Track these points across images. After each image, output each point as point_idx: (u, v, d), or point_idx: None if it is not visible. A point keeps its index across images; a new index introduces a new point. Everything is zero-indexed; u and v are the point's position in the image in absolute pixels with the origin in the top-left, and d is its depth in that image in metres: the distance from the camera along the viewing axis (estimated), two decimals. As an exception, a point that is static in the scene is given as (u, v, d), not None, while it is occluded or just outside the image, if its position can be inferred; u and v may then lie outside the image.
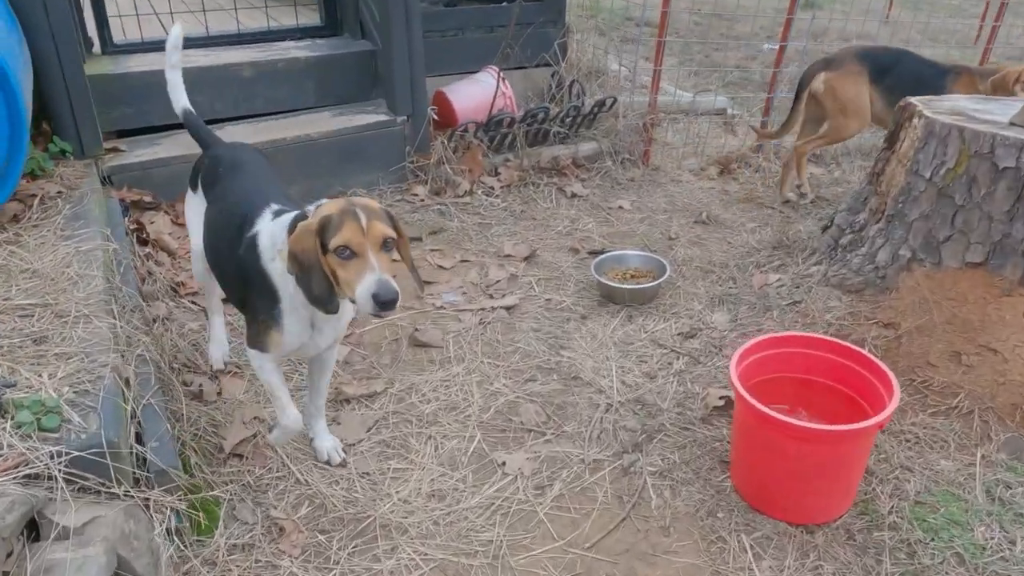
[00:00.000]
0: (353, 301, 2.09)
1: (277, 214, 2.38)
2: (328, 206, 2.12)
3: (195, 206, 2.90)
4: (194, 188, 2.92)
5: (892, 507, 2.62)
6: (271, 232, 2.32)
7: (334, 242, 2.03)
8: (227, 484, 2.66)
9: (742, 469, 2.70)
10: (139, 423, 2.43)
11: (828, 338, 2.76)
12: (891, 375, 2.54)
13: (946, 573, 2.40)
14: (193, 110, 3.07)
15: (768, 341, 2.77)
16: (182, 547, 2.31)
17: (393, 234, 2.08)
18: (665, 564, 2.49)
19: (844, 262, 3.75)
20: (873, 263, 3.60)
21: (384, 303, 2.00)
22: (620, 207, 5.15)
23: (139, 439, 2.38)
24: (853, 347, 2.69)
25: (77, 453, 2.07)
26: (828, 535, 2.56)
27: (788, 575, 2.42)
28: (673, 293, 4.06)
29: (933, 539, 2.51)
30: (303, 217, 2.20)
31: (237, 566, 2.37)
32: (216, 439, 2.84)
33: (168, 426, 2.42)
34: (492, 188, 5.19)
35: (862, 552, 2.50)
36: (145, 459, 2.29)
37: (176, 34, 2.94)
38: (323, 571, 2.40)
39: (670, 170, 5.82)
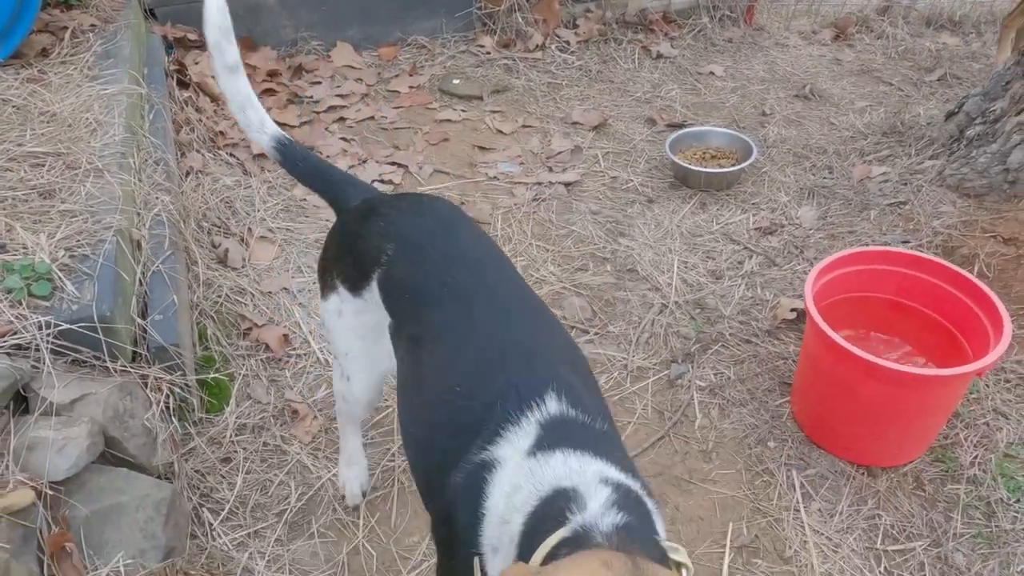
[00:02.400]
0: None
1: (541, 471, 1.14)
2: (604, 571, 0.85)
3: (352, 315, 1.67)
4: (353, 288, 1.63)
5: (975, 458, 2.27)
6: (513, 491, 1.14)
7: None
8: (244, 359, 2.53)
9: (805, 397, 2.38)
10: (146, 292, 2.28)
11: (929, 257, 2.32)
12: (1002, 309, 2.11)
13: (1027, 542, 2.08)
14: (288, 138, 1.79)
15: (857, 255, 2.35)
16: (186, 425, 2.21)
17: None
18: (701, 493, 2.25)
19: (967, 159, 3.17)
20: (1004, 164, 3.01)
21: None
22: (711, 73, 4.54)
23: (145, 310, 2.24)
24: (959, 270, 2.25)
25: (67, 325, 1.93)
26: (893, 481, 2.25)
27: (839, 521, 2.16)
28: (757, 180, 3.58)
29: (1019, 500, 2.17)
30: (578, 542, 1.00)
31: (243, 448, 2.27)
32: (239, 307, 2.69)
33: (176, 297, 2.26)
34: (567, 43, 4.64)
35: (930, 505, 2.19)
36: (146, 333, 2.15)
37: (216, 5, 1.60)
38: (332, 461, 2.28)
39: (775, 31, 5.07)
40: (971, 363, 1.99)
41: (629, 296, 2.92)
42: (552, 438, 1.16)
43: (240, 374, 2.47)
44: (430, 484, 1.35)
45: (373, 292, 1.57)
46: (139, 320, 2.15)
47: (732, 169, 3.47)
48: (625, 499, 1.07)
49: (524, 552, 1.05)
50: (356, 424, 2.10)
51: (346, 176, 1.89)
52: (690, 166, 3.47)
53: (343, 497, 2.17)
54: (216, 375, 2.31)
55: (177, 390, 2.14)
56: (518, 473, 1.14)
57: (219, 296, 2.66)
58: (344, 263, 1.66)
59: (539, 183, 3.52)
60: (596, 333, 2.76)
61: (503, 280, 1.50)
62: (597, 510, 1.04)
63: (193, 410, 2.24)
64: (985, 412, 2.40)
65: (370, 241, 1.58)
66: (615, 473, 1.13)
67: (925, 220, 3.09)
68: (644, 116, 4.09)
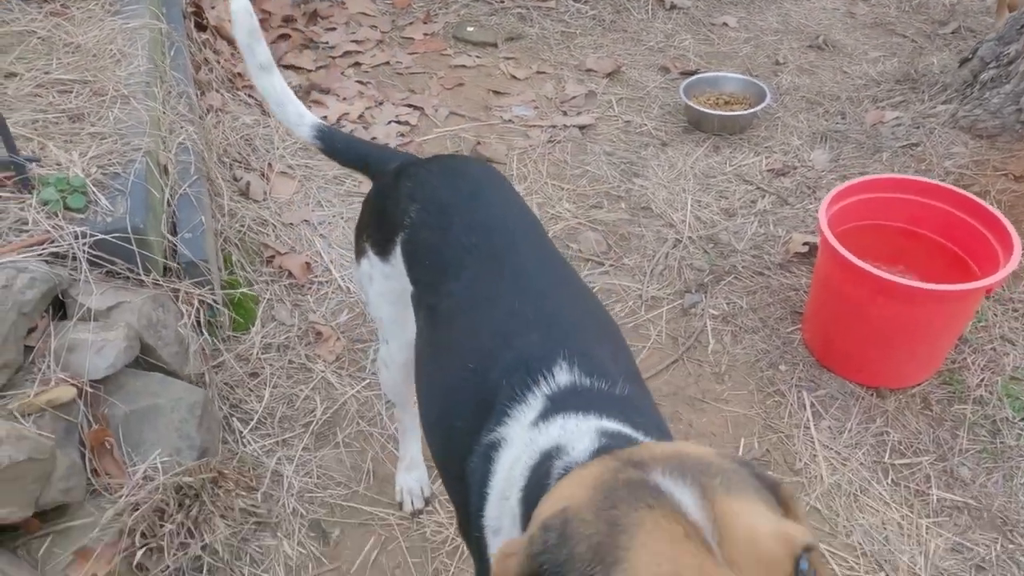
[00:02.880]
0: None
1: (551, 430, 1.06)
2: (586, 474, 0.79)
3: (382, 280, 1.61)
4: (381, 252, 1.58)
5: (982, 380, 2.33)
6: (512, 465, 1.07)
7: None
8: (268, 284, 2.59)
9: (816, 322, 2.44)
10: (174, 212, 2.33)
11: (941, 183, 2.35)
12: (1012, 230, 2.15)
13: (1031, 457, 2.14)
14: (326, 124, 1.76)
15: (870, 183, 2.39)
16: (215, 341, 2.28)
17: (803, 536, 0.70)
18: (714, 411, 2.32)
19: (981, 101, 3.20)
20: (1017, 104, 3.04)
21: None
22: (724, 24, 4.54)
23: (174, 230, 2.30)
24: (970, 195, 2.29)
25: (102, 236, 1.99)
26: (901, 401, 2.31)
27: (848, 437, 2.22)
28: (770, 124, 3.61)
29: (1023, 419, 2.23)
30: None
31: (270, 364, 2.34)
32: (261, 237, 2.75)
33: (204, 218, 2.31)
34: (582, -7, 4.64)
35: (937, 424, 2.25)
36: (176, 249, 2.21)
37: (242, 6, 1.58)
38: (356, 379, 2.35)
39: (789, -15, 5.05)
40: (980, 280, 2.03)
41: (643, 231, 2.96)
42: (557, 407, 1.08)
43: (264, 298, 2.53)
44: (449, 472, 1.27)
45: (398, 257, 1.51)
46: (169, 237, 2.21)
47: (745, 113, 3.50)
48: (614, 440, 0.99)
49: (524, 528, 0.89)
50: (411, 413, 1.94)
51: (386, 149, 1.87)
52: (704, 109, 3.50)
53: (400, 505, 2.06)
54: (244, 291, 2.37)
55: (207, 304, 2.20)
56: (519, 447, 1.06)
57: (242, 225, 2.72)
58: (373, 226, 1.61)
59: (553, 126, 3.55)
60: (611, 265, 2.81)
61: (527, 248, 1.39)
62: (580, 452, 0.97)
63: (222, 327, 2.30)
64: (992, 339, 2.45)
65: (397, 203, 1.52)
66: (619, 427, 1.03)
67: (937, 161, 3.12)
68: (657, 64, 4.11)
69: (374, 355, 2.39)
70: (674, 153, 3.42)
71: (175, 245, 2.21)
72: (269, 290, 2.57)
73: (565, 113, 3.66)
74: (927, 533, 2.00)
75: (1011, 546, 1.96)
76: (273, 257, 2.68)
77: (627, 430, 1.03)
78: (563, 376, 1.13)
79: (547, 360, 1.14)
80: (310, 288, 2.62)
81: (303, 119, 1.74)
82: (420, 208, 1.47)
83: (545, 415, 1.07)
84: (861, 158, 3.31)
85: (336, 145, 1.75)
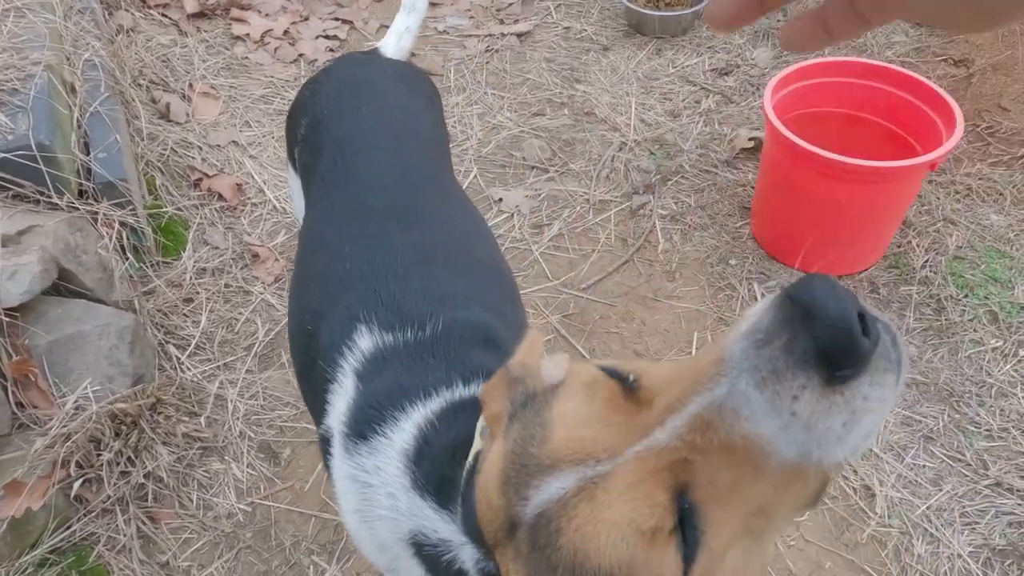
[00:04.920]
0: None
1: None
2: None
3: (299, 195, 1.44)
4: (292, 165, 1.47)
5: (926, 261, 2.35)
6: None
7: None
8: (198, 208, 2.45)
9: (764, 213, 2.41)
10: (85, 132, 2.17)
11: (885, 64, 2.32)
12: (955, 106, 2.13)
13: (974, 330, 2.18)
14: None
15: (814, 67, 2.34)
16: (143, 267, 2.15)
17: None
18: (666, 308, 2.30)
19: (919, -12, 3.15)
20: (955, -12, 3.01)
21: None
22: (662, -74, 4.38)
23: (87, 150, 2.14)
24: (912, 74, 2.26)
25: (4, 154, 1.83)
26: (849, 287, 2.32)
27: (799, 325, 2.23)
28: (711, 25, 3.52)
29: (967, 295, 2.26)
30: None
31: (205, 289, 2.22)
32: (186, 160, 2.59)
33: (118, 137, 2.15)
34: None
35: (884, 306, 2.27)
36: (91, 170, 2.06)
37: None
38: (298, 299, 2.25)
39: None
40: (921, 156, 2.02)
41: (588, 136, 2.88)
42: (368, 382, 0.97)
43: (195, 222, 2.40)
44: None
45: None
46: (82, 156, 2.05)
47: (687, 12, 3.40)
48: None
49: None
50: None
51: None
52: (644, 10, 3.39)
53: None
54: (169, 217, 2.24)
55: (130, 228, 2.07)
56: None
57: (164, 149, 2.56)
58: (286, 135, 1.51)
59: (490, 35, 3.41)
60: (557, 171, 2.74)
61: (379, 174, 1.21)
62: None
63: (148, 252, 2.17)
64: (935, 221, 2.47)
65: (297, 113, 1.41)
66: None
67: (879, 51, 3.09)
68: (595, -31, 3.95)
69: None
70: (616, 57, 3.32)
71: (89, 165, 2.06)
72: (199, 214, 2.43)
73: (502, 21, 3.51)
74: (877, 409, 2.03)
75: (956, 415, 2.01)
76: (201, 180, 2.53)
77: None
78: (364, 340, 1.00)
79: (347, 328, 1.02)
80: (243, 210, 2.49)
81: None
82: (308, 123, 1.35)
83: (357, 417, 0.96)
84: (803, 54, 3.26)
85: None
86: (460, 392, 0.92)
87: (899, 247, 2.41)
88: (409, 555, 0.84)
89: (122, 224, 2.03)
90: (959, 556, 1.75)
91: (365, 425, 0.93)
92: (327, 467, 1.00)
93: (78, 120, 2.15)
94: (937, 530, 1.80)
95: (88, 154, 2.08)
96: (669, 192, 2.65)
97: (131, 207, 2.06)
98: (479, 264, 1.18)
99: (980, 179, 2.58)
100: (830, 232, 2.22)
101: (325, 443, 1.01)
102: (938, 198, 2.54)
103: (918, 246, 2.40)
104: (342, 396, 0.99)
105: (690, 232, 2.51)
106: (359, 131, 1.27)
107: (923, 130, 2.25)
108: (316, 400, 1.05)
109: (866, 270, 2.36)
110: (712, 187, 2.66)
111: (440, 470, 0.84)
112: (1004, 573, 1.73)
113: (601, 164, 2.75)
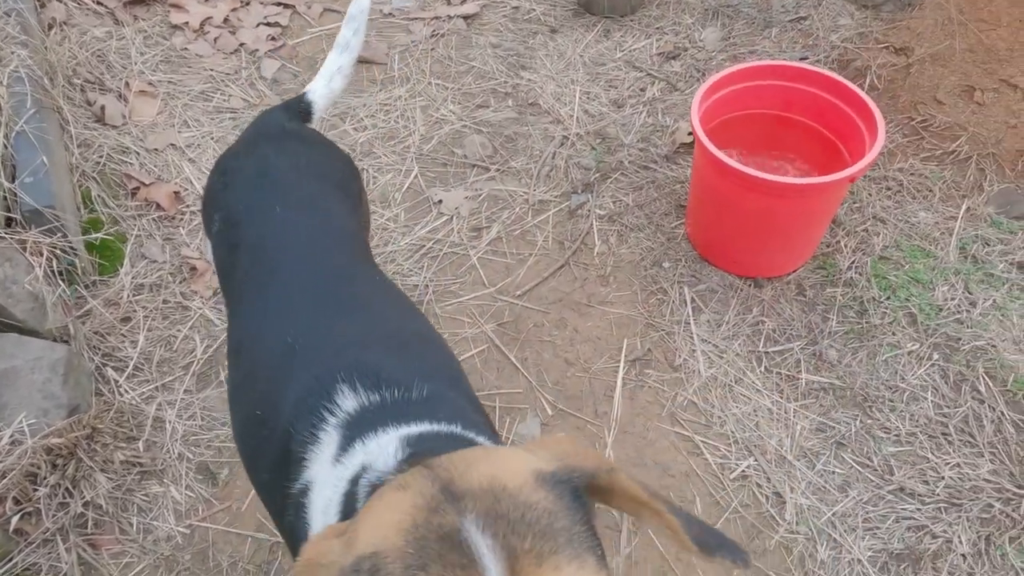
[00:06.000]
0: None
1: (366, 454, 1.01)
2: (401, 493, 0.75)
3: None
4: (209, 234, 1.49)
5: (853, 262, 2.41)
6: (326, 507, 0.98)
7: None
8: (135, 219, 2.46)
9: (696, 217, 2.45)
10: (12, 155, 2.16)
11: (811, 67, 2.32)
12: (877, 114, 2.16)
13: (892, 333, 2.26)
14: None
15: (744, 71, 2.34)
16: (78, 289, 2.18)
17: None
18: (598, 315, 2.36)
19: (867, -32, 3.13)
20: (900, -29, 2.98)
21: None
22: None
23: (13, 175, 2.13)
24: (839, 78, 2.27)
25: (-78, 193, 1.84)
26: (777, 290, 2.39)
27: (725, 330, 2.30)
28: (662, 2, 3.48)
29: (889, 297, 2.33)
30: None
31: (143, 307, 2.26)
32: (123, 167, 2.58)
33: (45, 158, 2.15)
34: None
35: (809, 308, 2.34)
36: (18, 197, 2.06)
37: None
38: (236, 313, 2.29)
39: None
40: (843, 170, 2.05)
41: (530, 131, 2.89)
42: (353, 434, 1.01)
43: (132, 234, 2.41)
44: (277, 525, 1.16)
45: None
46: (7, 184, 2.05)
47: (635, -8, 3.35)
48: (423, 441, 0.96)
49: None
50: None
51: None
52: (592, -9, 3.34)
53: None
54: (104, 235, 2.25)
55: (61, 253, 2.08)
56: (328, 489, 0.98)
57: (100, 156, 2.54)
58: (204, 222, 1.49)
59: (437, 17, 3.36)
60: (498, 170, 2.75)
61: (297, 266, 1.25)
62: (386, 465, 0.92)
63: (84, 273, 2.19)
64: (865, 219, 2.52)
65: (210, 203, 1.40)
66: (425, 427, 1.00)
67: (823, 35, 3.08)
68: (547, -61, 3.86)
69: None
70: (563, 40, 3.28)
71: (15, 192, 2.06)
72: (137, 225, 2.44)
73: (449, 2, 3.45)
74: (794, 416, 2.12)
75: (869, 421, 2.10)
76: (138, 189, 2.53)
77: (435, 426, 1.00)
78: (348, 401, 1.05)
79: (324, 391, 1.06)
80: (181, 219, 2.50)
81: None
82: (221, 219, 1.36)
83: (344, 446, 1.00)
84: (751, 35, 3.24)
85: None
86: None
87: (828, 247, 2.47)
88: None
89: (53, 250, 2.04)
90: (858, 561, 1.87)
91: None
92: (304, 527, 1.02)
93: (3, 143, 2.14)
94: (840, 536, 1.91)
95: (14, 180, 2.08)
96: (608, 190, 2.67)
97: (61, 233, 2.07)
98: (422, 346, 1.24)
99: (912, 175, 2.62)
100: (756, 239, 2.27)
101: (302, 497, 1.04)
102: (870, 195, 2.58)
103: (846, 246, 2.45)
104: (327, 446, 1.02)
105: (626, 233, 2.55)
106: (275, 233, 1.29)
107: (849, 134, 2.28)
108: (278, 472, 1.07)
109: (795, 271, 2.42)
110: (651, 184, 2.69)
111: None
112: (898, 577, 1.85)
113: (542, 162, 2.76)
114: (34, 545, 1.76)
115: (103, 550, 1.82)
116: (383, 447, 0.96)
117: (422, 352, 1.22)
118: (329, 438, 1.02)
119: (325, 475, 1.00)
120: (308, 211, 1.35)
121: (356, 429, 1.01)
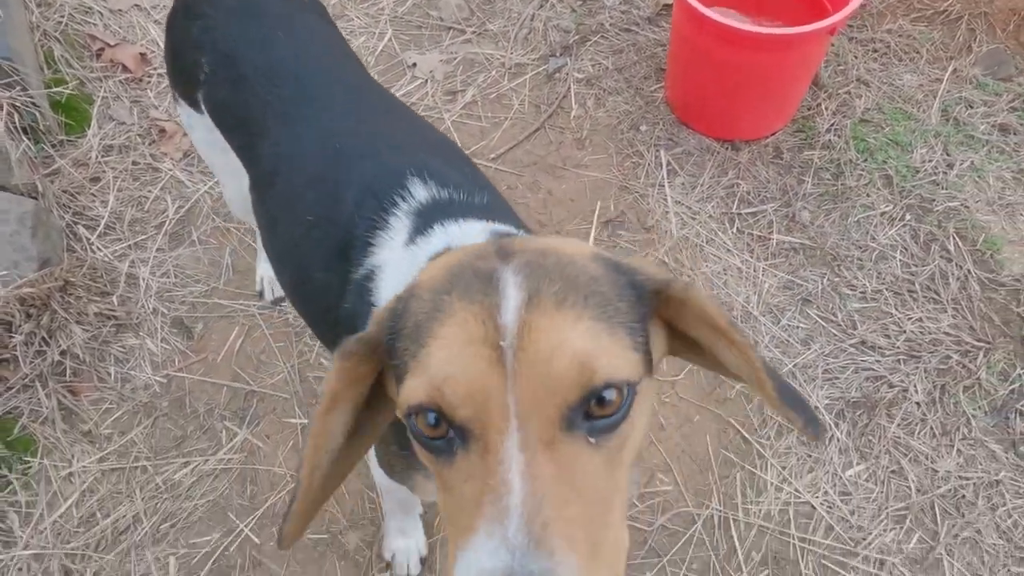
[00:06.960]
0: None
1: (424, 224, 1.05)
2: (454, 255, 0.76)
3: (203, 131, 1.44)
4: (192, 104, 1.42)
5: (832, 125, 2.37)
6: (400, 285, 0.84)
7: (408, 390, 0.69)
8: (101, 81, 2.41)
9: (675, 77, 2.40)
10: (-35, 6, 2.08)
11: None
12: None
13: (867, 195, 2.25)
14: None
15: (729, -81, 2.23)
16: (45, 148, 2.15)
17: (614, 373, 0.66)
18: (573, 177, 2.34)
19: None
20: None
21: None
22: None
23: (-32, 25, 2.07)
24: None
25: None
26: (754, 152, 2.36)
27: (699, 192, 2.29)
28: None
29: (866, 160, 2.31)
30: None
31: (112, 168, 2.24)
32: (87, 27, 2.50)
33: (1, 13, 2.07)
34: None
35: (785, 171, 2.32)
36: (-27, 49, 2.00)
37: None
38: (207, 176, 2.27)
39: None
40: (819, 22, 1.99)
41: (509, -8, 2.78)
42: (429, 220, 1.03)
43: (99, 96, 2.36)
44: (323, 327, 1.23)
45: (207, 114, 1.37)
46: (-40, 34, 1.99)
47: None
48: (500, 234, 0.99)
49: None
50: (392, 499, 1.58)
51: None
52: None
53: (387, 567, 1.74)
54: (69, 92, 2.21)
55: (23, 108, 2.05)
56: (400, 270, 1.00)
57: (62, 16, 2.46)
58: (174, 75, 1.44)
59: None
60: (474, 32, 2.66)
61: (332, 83, 1.28)
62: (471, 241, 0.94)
63: (49, 131, 2.16)
64: (848, 81, 2.46)
65: (189, 51, 1.34)
66: (502, 228, 1.02)
67: None
68: None
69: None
70: (547, -102, 3.11)
71: (-30, 44, 2.00)
72: (103, 87, 2.39)
73: None
74: (763, 275, 2.14)
75: (836, 279, 2.12)
76: (103, 50, 2.46)
77: (506, 228, 1.01)
78: (419, 191, 1.08)
79: (396, 180, 1.08)
80: (148, 82, 2.45)
81: None
82: (211, 60, 1.31)
83: (419, 230, 1.03)
84: None
85: None
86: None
87: (809, 110, 2.42)
88: None
89: (14, 105, 2.01)
90: (816, 408, 1.93)
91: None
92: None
93: (-45, -9, 2.06)
94: (800, 385, 1.96)
95: (-32, 30, 2.02)
96: (587, 54, 2.60)
97: (20, 87, 2.03)
98: (461, 160, 1.29)
99: (900, 36, 2.54)
100: (733, 97, 2.23)
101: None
102: (855, 57, 2.51)
103: (826, 109, 2.41)
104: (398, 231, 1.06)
105: (604, 97, 2.50)
106: (288, 57, 1.27)
107: (836, -11, 2.19)
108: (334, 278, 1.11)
109: (773, 135, 2.38)
110: (631, 48, 2.61)
111: None
112: (853, 422, 1.91)
113: (520, 24, 2.68)
114: (14, 390, 1.81)
115: (82, 396, 1.88)
116: (466, 232, 0.99)
117: (463, 162, 1.26)
118: (400, 224, 1.05)
119: (398, 257, 1.03)
120: (309, 32, 1.35)
121: (432, 216, 1.03)
